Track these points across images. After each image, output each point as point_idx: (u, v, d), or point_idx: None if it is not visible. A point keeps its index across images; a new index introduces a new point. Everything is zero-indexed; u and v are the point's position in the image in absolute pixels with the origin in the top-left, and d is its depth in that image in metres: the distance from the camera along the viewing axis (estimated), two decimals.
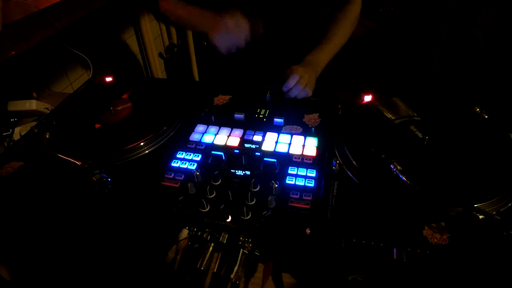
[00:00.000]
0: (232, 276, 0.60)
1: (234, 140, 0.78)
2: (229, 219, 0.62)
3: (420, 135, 0.73)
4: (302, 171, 0.69)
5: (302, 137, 0.78)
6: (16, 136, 0.95)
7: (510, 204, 0.61)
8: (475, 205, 0.58)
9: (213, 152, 0.73)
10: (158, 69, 2.06)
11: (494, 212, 0.58)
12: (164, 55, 2.13)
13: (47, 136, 0.79)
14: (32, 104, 1.04)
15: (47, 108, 1.06)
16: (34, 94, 1.13)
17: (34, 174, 0.74)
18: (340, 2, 1.03)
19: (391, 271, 0.56)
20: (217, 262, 0.63)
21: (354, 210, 0.62)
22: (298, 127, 0.81)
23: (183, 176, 0.70)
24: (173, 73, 2.22)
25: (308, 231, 0.59)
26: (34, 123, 0.94)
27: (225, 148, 0.76)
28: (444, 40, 2.08)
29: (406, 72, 2.30)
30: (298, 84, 0.89)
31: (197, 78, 2.28)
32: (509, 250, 0.54)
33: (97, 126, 0.85)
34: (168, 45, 2.14)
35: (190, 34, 2.13)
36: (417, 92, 2.24)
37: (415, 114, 0.80)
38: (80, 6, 1.20)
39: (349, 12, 1.03)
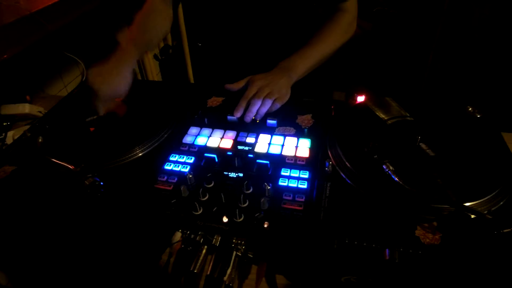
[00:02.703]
0: (225, 278, 0.60)
1: (227, 142, 0.78)
2: (225, 220, 0.62)
3: (431, 153, 0.70)
4: (295, 173, 0.69)
5: (295, 139, 0.78)
6: (9, 140, 0.94)
7: (502, 203, 0.61)
8: (467, 205, 0.59)
9: (206, 154, 0.73)
10: (153, 71, 2.06)
11: (486, 212, 0.58)
12: (159, 57, 2.13)
13: (40, 140, 0.78)
14: (25, 108, 1.03)
15: (40, 112, 1.06)
16: (28, 98, 1.13)
17: (27, 178, 0.73)
18: (331, 8, 1.01)
19: (384, 272, 0.56)
20: (211, 265, 0.63)
21: (347, 211, 0.62)
22: (291, 128, 0.81)
23: (176, 179, 0.70)
24: (168, 75, 2.21)
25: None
26: (27, 127, 0.93)
27: (218, 150, 0.76)
28: (439, 40, 2.09)
29: (401, 72, 2.31)
30: (255, 99, 0.83)
31: (192, 80, 2.28)
32: (499, 249, 0.54)
33: (91, 129, 0.84)
34: (163, 47, 2.14)
35: (185, 36, 2.12)
36: (411, 92, 2.25)
37: (408, 114, 0.80)
38: (73, 8, 1.20)
39: (340, 20, 0.99)
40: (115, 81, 0.84)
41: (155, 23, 0.98)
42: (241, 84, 0.90)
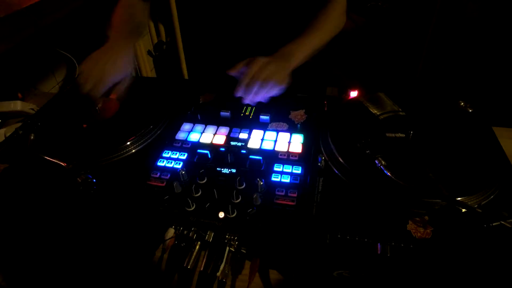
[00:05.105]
0: (218, 274, 0.60)
1: (220, 138, 0.78)
2: (222, 215, 0.62)
3: (400, 135, 0.72)
4: (287, 168, 0.69)
5: (288, 134, 0.78)
6: (0, 138, 0.93)
7: (492, 197, 0.62)
8: (458, 199, 0.59)
9: (199, 150, 0.73)
10: (147, 67, 2.05)
11: (476, 206, 0.59)
12: (153, 53, 2.12)
13: (32, 137, 0.78)
14: (17, 105, 1.03)
15: (32, 109, 1.05)
16: (19, 95, 1.12)
17: (18, 176, 0.73)
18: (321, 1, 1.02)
19: (376, 266, 0.57)
20: (204, 261, 0.63)
21: (339, 206, 0.62)
22: (284, 124, 0.81)
23: (169, 175, 0.70)
24: (162, 71, 2.20)
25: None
26: (19, 124, 0.92)
27: (211, 146, 0.76)
28: (432, 35, 2.09)
29: (394, 67, 2.31)
30: (254, 80, 0.79)
31: (186, 76, 2.27)
32: (489, 242, 0.55)
33: (84, 126, 0.84)
34: (156, 43, 2.12)
35: (178, 32, 2.11)
36: (403, 87, 2.25)
37: (400, 109, 0.80)
38: (65, 4, 1.19)
39: (331, 11, 0.99)
40: (113, 67, 0.85)
41: (133, 16, 1.01)
42: (240, 65, 0.87)
